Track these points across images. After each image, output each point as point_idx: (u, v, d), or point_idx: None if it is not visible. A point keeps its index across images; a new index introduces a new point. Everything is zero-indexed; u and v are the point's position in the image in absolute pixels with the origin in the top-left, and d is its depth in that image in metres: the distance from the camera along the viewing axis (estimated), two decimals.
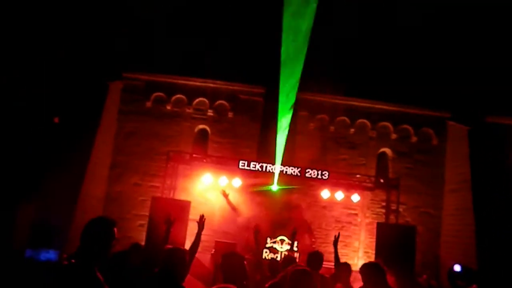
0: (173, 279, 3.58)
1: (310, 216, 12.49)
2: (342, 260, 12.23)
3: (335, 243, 5.55)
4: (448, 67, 13.46)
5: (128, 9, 13.24)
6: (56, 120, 12.28)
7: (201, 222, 4.85)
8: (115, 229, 2.82)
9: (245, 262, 3.81)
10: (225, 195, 11.92)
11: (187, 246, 6.49)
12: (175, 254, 3.75)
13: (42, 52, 11.98)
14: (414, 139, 13.37)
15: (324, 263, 5.27)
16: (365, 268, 4.18)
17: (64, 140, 11.44)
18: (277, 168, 10.62)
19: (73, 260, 2.67)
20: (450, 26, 13.81)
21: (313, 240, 10.75)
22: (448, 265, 10.69)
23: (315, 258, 5.34)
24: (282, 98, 10.49)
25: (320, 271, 5.30)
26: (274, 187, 11.39)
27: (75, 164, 11.38)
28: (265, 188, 11.34)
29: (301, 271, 3.55)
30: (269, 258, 8.82)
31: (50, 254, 9.72)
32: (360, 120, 13.40)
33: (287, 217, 10.85)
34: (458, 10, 13.32)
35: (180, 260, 3.70)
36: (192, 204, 10.27)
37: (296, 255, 8.81)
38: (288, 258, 5.56)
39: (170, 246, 4.04)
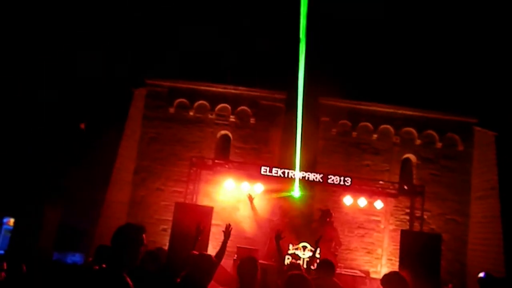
0: (199, 284, 3.63)
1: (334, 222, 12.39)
2: (365, 267, 12.07)
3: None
4: (474, 71, 13.20)
5: (150, 16, 13.50)
6: (82, 126, 12.59)
7: (227, 231, 4.87)
8: (144, 235, 2.87)
9: (257, 264, 3.93)
10: (251, 199, 11.88)
11: (209, 251, 6.54)
12: (202, 259, 3.83)
13: (68, 60, 12.33)
14: (439, 145, 13.12)
15: (345, 270, 5.23)
16: (387, 278, 4.06)
17: (90, 145, 11.71)
18: (299, 174, 10.57)
19: (104, 265, 2.75)
20: (476, 29, 13.56)
21: (337, 247, 10.64)
22: (475, 274, 10.41)
23: (326, 265, 5.31)
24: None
25: (342, 278, 5.25)
26: (296, 193, 11.34)
27: (100, 169, 11.63)
28: (286, 194, 11.30)
29: (298, 276, 3.52)
30: None
31: (76, 258, 9.95)
32: (383, 126, 13.24)
33: (314, 224, 10.74)
34: (484, 14, 13.07)
35: (207, 266, 3.78)
36: (215, 210, 10.33)
37: (318, 261, 8.74)
38: (293, 265, 5.54)
39: (196, 252, 4.10)
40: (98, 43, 12.86)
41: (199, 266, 3.76)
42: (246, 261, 3.94)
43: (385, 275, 4.15)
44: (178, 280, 4.01)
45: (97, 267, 2.80)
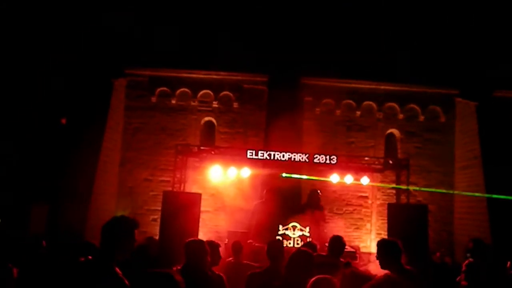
0: (201, 270, 3.81)
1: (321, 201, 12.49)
2: (355, 243, 12.26)
3: None
4: (452, 42, 13.27)
5: (125, 4, 13.20)
6: (63, 121, 12.38)
7: None
8: (136, 231, 2.83)
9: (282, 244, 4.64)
10: None
11: (200, 237, 6.57)
12: (199, 245, 3.98)
13: (45, 54, 12.03)
14: (421, 118, 13.28)
15: None
16: (382, 243, 4.35)
17: (73, 140, 11.52)
18: (284, 155, 10.57)
19: (90, 257, 2.73)
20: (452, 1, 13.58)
21: (323, 224, 10.72)
22: (462, 242, 10.65)
23: (337, 243, 5.19)
24: None
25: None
26: (284, 174, 11.36)
27: (86, 163, 11.48)
28: (283, 175, 11.27)
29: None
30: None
31: None
32: (366, 102, 13.32)
33: (302, 203, 10.79)
34: None
35: (204, 251, 3.93)
36: (203, 196, 10.33)
37: (309, 239, 8.84)
38: (309, 245, 5.55)
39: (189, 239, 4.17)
40: (74, 34, 12.53)
41: (196, 252, 3.90)
42: (273, 243, 4.57)
43: (381, 240, 4.53)
44: (176, 268, 4.06)
45: (82, 259, 2.76)
